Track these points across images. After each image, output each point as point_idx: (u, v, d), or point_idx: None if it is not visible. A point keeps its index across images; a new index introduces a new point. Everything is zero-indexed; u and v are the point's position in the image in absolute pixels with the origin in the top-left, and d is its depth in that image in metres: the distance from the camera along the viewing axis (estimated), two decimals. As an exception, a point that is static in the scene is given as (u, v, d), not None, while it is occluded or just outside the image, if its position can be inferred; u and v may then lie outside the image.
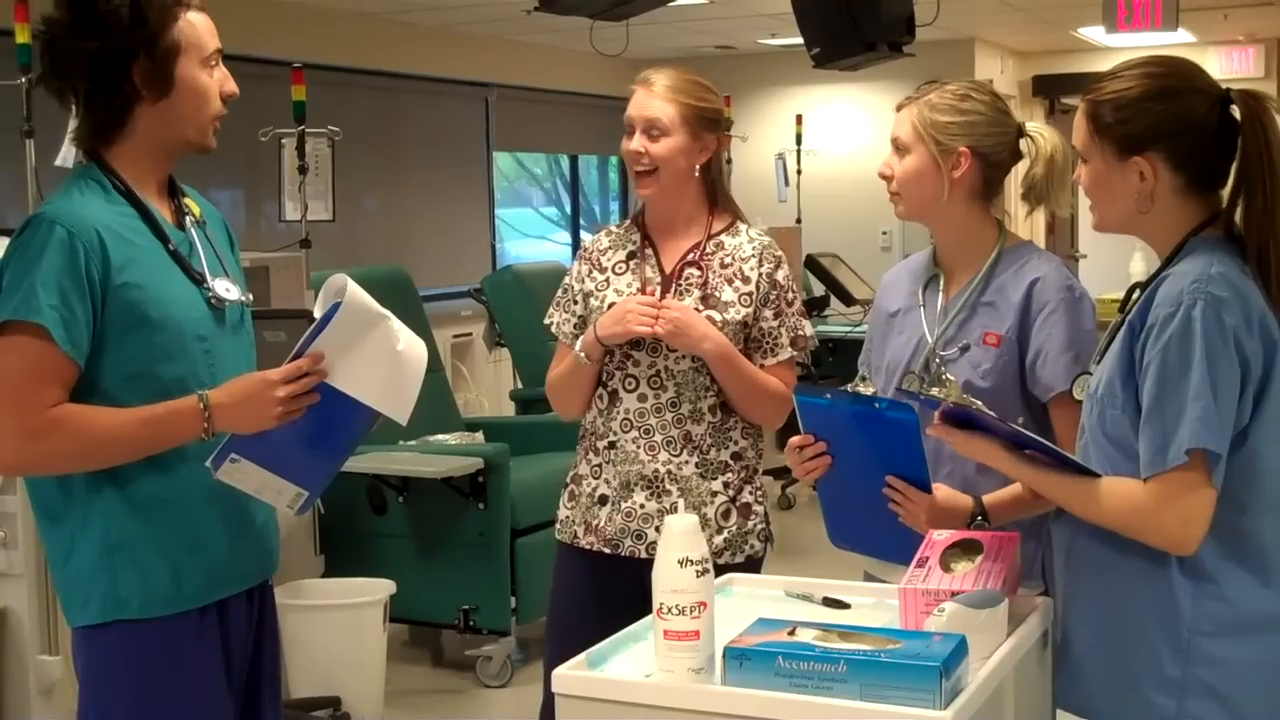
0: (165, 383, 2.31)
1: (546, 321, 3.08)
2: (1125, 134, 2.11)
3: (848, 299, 8.65)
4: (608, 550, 2.94)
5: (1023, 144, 2.56)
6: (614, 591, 2.86)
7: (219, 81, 2.40)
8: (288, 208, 5.60)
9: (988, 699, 1.90)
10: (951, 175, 2.52)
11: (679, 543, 1.90)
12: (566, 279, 3.07)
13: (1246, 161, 2.08)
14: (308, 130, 5.48)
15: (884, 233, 10.63)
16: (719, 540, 2.91)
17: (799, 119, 9.18)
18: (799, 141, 9.08)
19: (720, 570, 2.91)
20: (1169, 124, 2.09)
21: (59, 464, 2.29)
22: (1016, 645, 2.06)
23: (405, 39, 8.82)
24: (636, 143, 2.94)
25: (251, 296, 2.52)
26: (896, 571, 2.52)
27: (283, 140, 5.52)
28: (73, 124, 3.87)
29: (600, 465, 2.97)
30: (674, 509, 2.85)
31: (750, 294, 2.94)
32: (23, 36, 4.43)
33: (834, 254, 9.09)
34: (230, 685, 2.44)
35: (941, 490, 2.35)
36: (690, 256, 2.96)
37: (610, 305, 2.94)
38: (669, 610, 1.88)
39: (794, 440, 2.41)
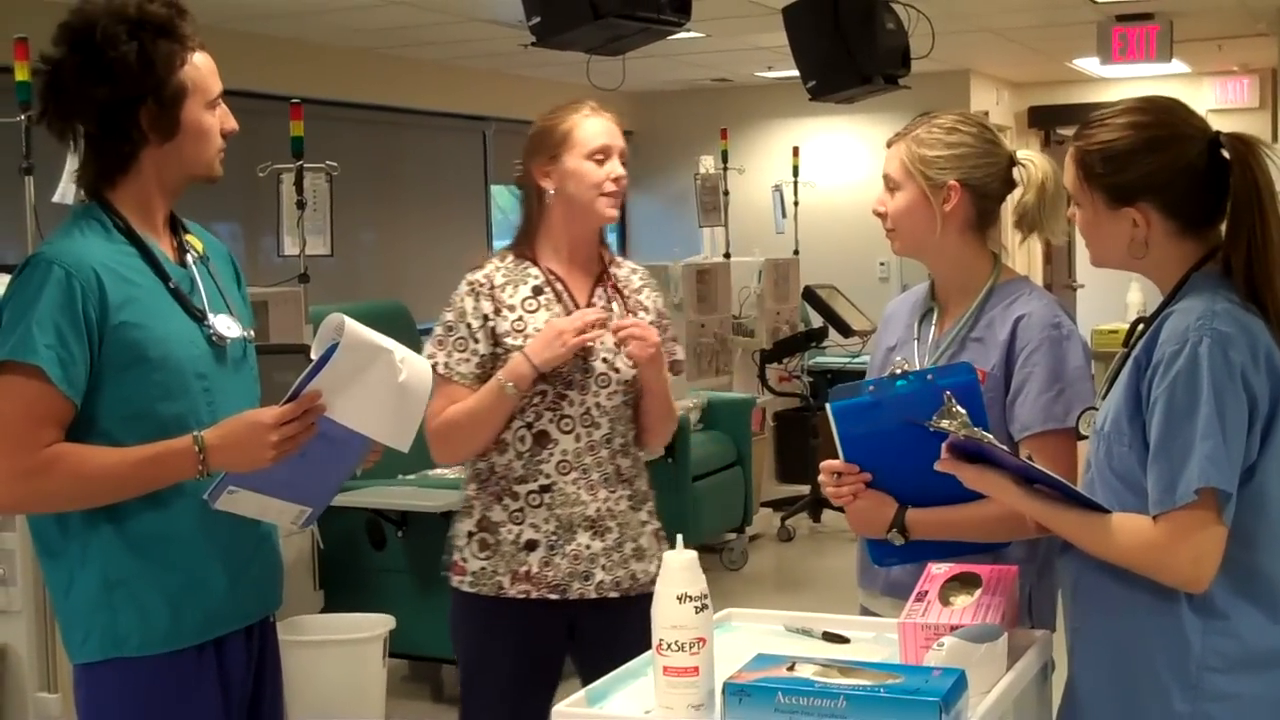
0: (164, 421, 2.31)
1: (431, 362, 2.75)
2: (1115, 184, 2.11)
3: (845, 330, 8.66)
4: (554, 596, 2.84)
5: (1015, 173, 2.55)
6: (543, 638, 2.87)
7: (219, 119, 2.42)
8: (286, 242, 5.61)
9: (988, 733, 1.90)
10: (943, 209, 2.50)
11: (678, 578, 1.90)
12: (450, 316, 2.89)
13: (1237, 207, 2.07)
14: (306, 165, 5.50)
15: (881, 264, 10.66)
16: (651, 569, 2.89)
17: (795, 151, 9.21)
18: (796, 173, 9.11)
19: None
20: (1159, 176, 2.09)
21: (54, 503, 2.30)
22: (1016, 679, 2.05)
23: (403, 74, 8.86)
24: (620, 168, 2.90)
25: (253, 332, 2.52)
26: (891, 606, 2.53)
27: (281, 175, 5.54)
28: (71, 161, 3.88)
29: (521, 510, 2.85)
30: (618, 546, 2.86)
31: (654, 322, 2.95)
32: (22, 74, 4.45)
33: (831, 285, 9.11)
34: (229, 723, 2.43)
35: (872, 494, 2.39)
36: (599, 286, 2.94)
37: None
38: (668, 646, 1.88)
39: (834, 465, 2.39)
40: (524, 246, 2.94)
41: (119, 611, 2.31)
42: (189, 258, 2.45)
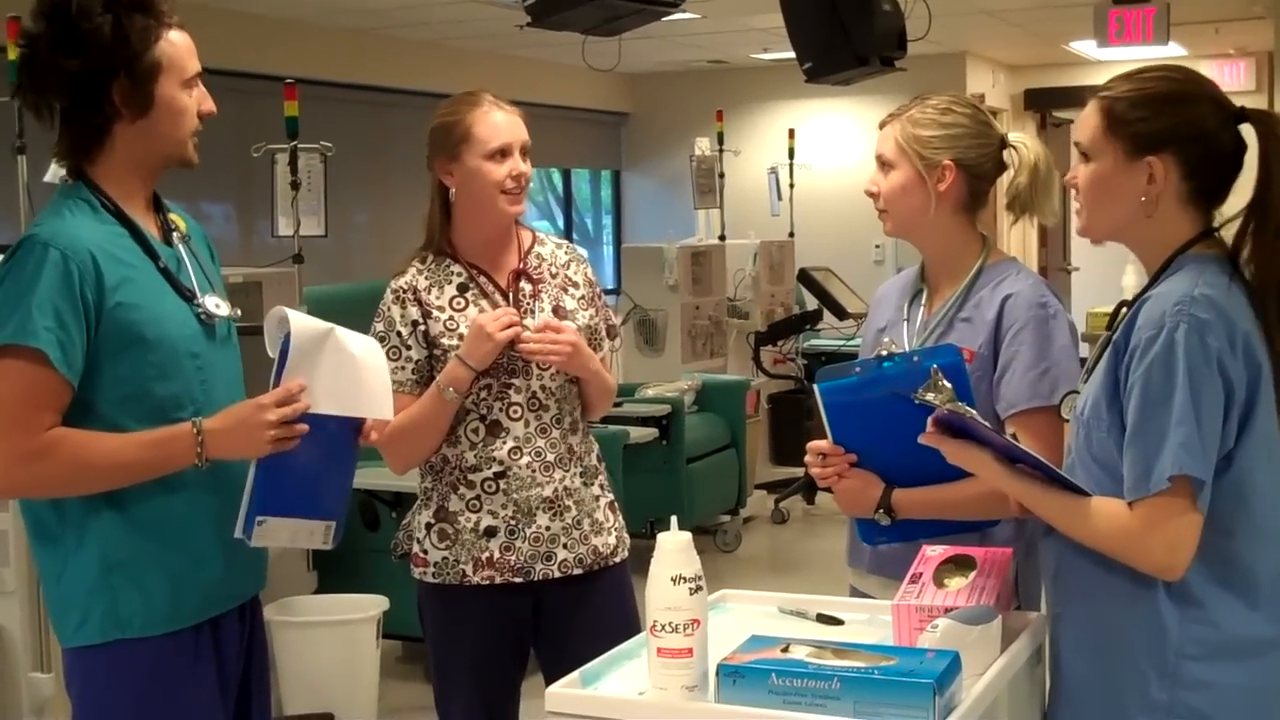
0: (159, 401, 2.31)
1: None
2: (1141, 131, 2.08)
3: (840, 312, 8.66)
4: (519, 580, 2.86)
5: (1006, 155, 2.56)
6: (510, 620, 2.90)
7: (196, 100, 2.40)
8: (280, 223, 5.62)
9: (981, 716, 1.89)
10: (937, 189, 2.51)
11: (672, 560, 1.90)
12: (380, 326, 2.89)
13: (1266, 182, 2.04)
14: (300, 145, 5.49)
15: (876, 246, 10.66)
16: (611, 540, 2.94)
17: (791, 133, 9.21)
18: (791, 156, 9.10)
19: (619, 568, 2.95)
20: (1186, 128, 2.07)
21: (52, 488, 2.29)
22: (1010, 661, 2.05)
23: (397, 54, 8.84)
24: (521, 164, 2.90)
25: (239, 311, 2.52)
26: (878, 584, 2.53)
27: (275, 156, 5.54)
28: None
29: (478, 498, 2.86)
30: (576, 524, 2.89)
31: (585, 297, 2.97)
32: (14, 54, 4.43)
33: (826, 267, 9.11)
34: (224, 702, 2.44)
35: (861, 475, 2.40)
36: (517, 270, 2.93)
37: None
38: (662, 628, 1.88)
39: (820, 445, 2.40)
40: (441, 242, 2.93)
41: (119, 593, 2.31)
42: (175, 237, 2.44)
